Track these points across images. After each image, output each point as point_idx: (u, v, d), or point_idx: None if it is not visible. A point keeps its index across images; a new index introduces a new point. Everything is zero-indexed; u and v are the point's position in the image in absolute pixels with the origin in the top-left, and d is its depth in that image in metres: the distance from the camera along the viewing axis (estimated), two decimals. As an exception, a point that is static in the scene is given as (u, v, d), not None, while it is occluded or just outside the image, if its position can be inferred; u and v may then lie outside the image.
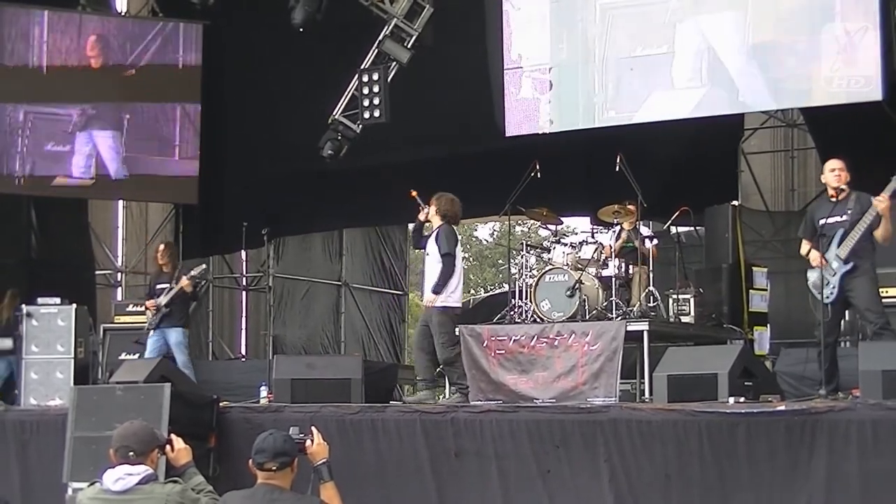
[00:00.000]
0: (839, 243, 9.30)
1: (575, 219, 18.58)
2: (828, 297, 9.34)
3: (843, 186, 9.40)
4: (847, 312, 10.68)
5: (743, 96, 11.88)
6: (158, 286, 12.68)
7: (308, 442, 5.49)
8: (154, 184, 15.26)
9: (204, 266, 13.27)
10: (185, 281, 12.46)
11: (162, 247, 13.00)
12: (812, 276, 9.48)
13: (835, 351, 9.56)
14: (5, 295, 13.09)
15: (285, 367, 11.17)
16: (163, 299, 12.47)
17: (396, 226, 20.47)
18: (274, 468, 5.34)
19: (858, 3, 11.11)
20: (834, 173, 9.46)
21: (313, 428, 5.60)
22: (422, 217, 11.29)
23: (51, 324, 12.54)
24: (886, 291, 10.53)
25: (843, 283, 9.32)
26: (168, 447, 5.80)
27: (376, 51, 14.09)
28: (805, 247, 9.64)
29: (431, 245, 11.06)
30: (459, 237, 11.11)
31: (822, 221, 9.48)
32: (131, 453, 5.57)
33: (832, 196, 9.51)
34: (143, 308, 13.30)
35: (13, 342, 12.70)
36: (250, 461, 5.40)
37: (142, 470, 5.54)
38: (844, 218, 9.35)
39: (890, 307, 10.06)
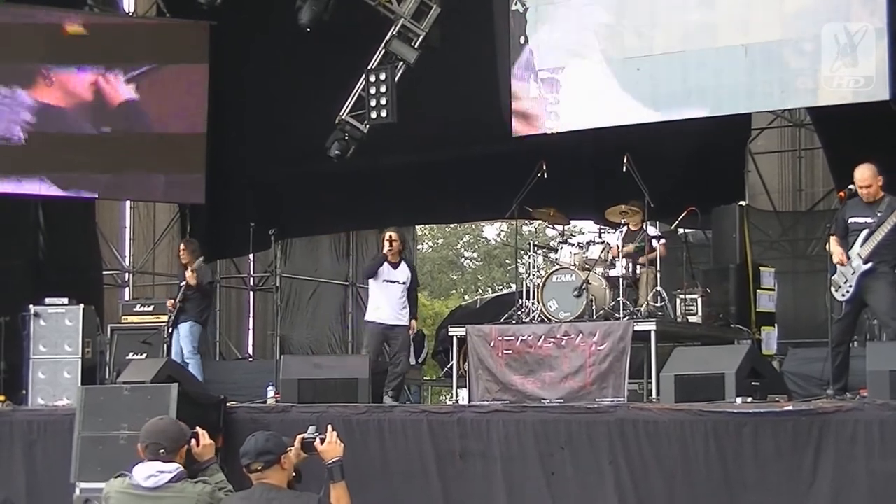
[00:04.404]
0: (862, 243, 9.21)
1: (582, 220, 18.56)
2: (843, 296, 9.28)
3: (869, 191, 9.26)
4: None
5: (750, 96, 11.87)
6: (180, 284, 12.68)
7: (318, 440, 5.47)
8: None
9: (202, 258, 13.01)
10: (188, 275, 12.43)
11: (182, 245, 12.91)
12: (835, 273, 9.41)
13: (848, 351, 9.48)
14: None
15: (292, 368, 11.15)
16: (178, 297, 12.50)
17: (404, 227, 20.45)
18: (259, 467, 5.30)
19: (864, 3, 11.11)
20: (857, 184, 9.31)
21: (329, 426, 5.58)
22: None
23: (58, 324, 12.54)
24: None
25: (860, 283, 9.22)
26: (194, 442, 5.81)
27: (383, 51, 14.10)
28: (831, 243, 9.47)
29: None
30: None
31: (851, 220, 9.38)
32: (162, 451, 5.59)
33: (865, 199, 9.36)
34: (150, 308, 13.38)
35: None
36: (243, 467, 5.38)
37: (174, 468, 5.56)
38: (872, 220, 9.24)
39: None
